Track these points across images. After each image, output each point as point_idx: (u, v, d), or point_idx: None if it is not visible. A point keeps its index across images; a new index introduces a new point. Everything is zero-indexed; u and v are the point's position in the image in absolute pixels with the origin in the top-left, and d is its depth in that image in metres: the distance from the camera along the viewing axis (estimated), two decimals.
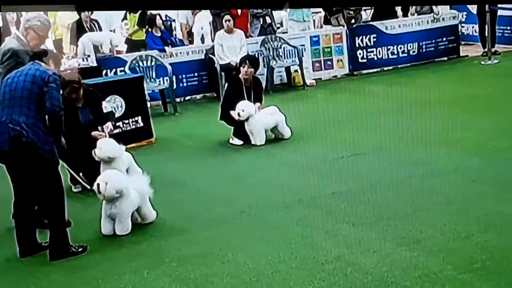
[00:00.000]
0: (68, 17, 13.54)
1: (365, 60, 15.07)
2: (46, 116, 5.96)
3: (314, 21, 16.12)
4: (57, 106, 5.94)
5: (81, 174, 7.70)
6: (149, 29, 13.73)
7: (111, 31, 13.99)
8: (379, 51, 15.09)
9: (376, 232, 6.01)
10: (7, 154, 5.89)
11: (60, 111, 6.01)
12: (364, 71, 15.07)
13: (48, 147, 5.94)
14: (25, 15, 7.30)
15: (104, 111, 8.28)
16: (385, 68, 15.24)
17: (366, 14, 16.20)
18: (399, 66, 15.30)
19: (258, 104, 9.75)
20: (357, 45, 14.96)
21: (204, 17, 14.55)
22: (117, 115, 9.75)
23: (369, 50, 15.05)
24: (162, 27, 13.98)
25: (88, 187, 7.06)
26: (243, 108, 9.47)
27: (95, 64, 12.10)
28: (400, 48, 15.23)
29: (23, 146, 5.81)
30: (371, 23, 15.41)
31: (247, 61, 9.92)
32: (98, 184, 6.39)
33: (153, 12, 14.47)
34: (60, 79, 7.43)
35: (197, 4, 4.22)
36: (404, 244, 5.69)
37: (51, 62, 6.28)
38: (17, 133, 5.78)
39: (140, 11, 13.91)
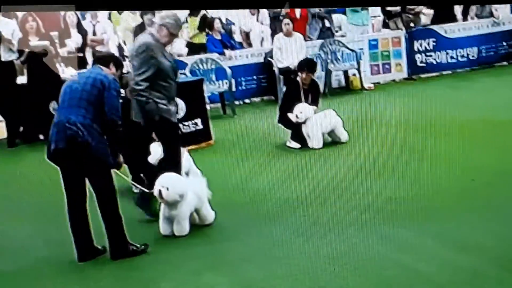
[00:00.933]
0: (133, 20, 13.75)
1: (423, 64, 15.03)
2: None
3: (372, 24, 16.09)
4: (116, 115, 6.03)
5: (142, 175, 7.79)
6: (209, 32, 13.91)
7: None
8: (438, 55, 15.03)
9: (436, 238, 6.01)
10: (62, 153, 5.95)
11: (119, 121, 6.09)
12: (423, 75, 15.03)
13: (102, 149, 6.00)
14: (160, 13, 7.59)
15: None
16: (444, 72, 15.16)
17: (426, 17, 16.11)
18: (458, 70, 15.23)
19: (314, 107, 9.81)
20: (416, 49, 14.93)
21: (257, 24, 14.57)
22: (177, 117, 9.94)
23: (428, 54, 15.00)
24: (222, 31, 14.13)
25: (146, 190, 7.12)
26: (301, 110, 9.55)
27: None
28: (459, 52, 15.15)
29: (77, 145, 5.88)
30: (430, 27, 15.34)
31: (305, 67, 9.98)
32: (159, 190, 6.46)
33: (213, 15, 14.65)
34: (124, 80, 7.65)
35: (197, 4, 4.29)
36: (465, 251, 5.68)
37: (112, 65, 6.37)
38: (73, 133, 5.86)
39: (201, 15, 14.07)
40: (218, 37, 13.85)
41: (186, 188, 6.59)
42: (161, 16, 7.21)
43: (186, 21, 14.36)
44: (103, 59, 6.48)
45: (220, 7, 9.35)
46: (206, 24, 14.09)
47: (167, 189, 6.45)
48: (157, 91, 6.97)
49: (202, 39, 14.16)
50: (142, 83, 6.92)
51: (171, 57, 7.48)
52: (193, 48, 14.07)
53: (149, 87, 6.88)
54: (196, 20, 14.07)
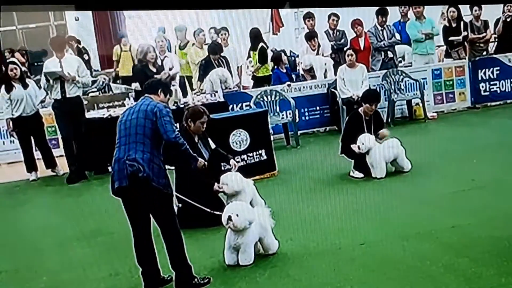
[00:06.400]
0: (200, 54, 14.06)
1: (487, 93, 14.95)
2: (161, 150, 6.19)
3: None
4: (173, 137, 6.14)
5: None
6: (275, 66, 14.22)
7: (238, 67, 14.47)
8: (502, 83, 14.93)
9: (496, 267, 5.97)
10: (125, 190, 6.05)
11: (177, 139, 6.22)
12: (487, 104, 14.97)
13: (163, 181, 6.08)
14: None
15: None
16: (508, 101, 15.04)
17: (490, 47, 16.04)
18: None
19: (386, 132, 9.96)
20: (479, 78, 14.88)
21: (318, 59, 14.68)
22: (242, 148, 10.17)
23: (492, 82, 14.92)
24: (287, 64, 14.41)
25: (208, 210, 7.29)
26: (363, 141, 9.60)
27: (222, 99, 12.57)
28: None
29: (139, 181, 5.96)
30: (494, 55, 15.28)
31: (369, 99, 10.02)
32: (229, 216, 6.57)
33: (279, 49, 14.92)
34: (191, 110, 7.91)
35: (196, 4, 4.38)
36: None
37: (161, 91, 6.46)
38: (134, 169, 5.94)
39: (259, 49, 14.34)
40: (284, 70, 14.15)
41: (254, 215, 6.71)
42: None
43: (249, 56, 14.66)
44: (151, 87, 6.56)
45: (220, 7, 9.48)
46: (273, 59, 14.40)
47: (237, 215, 6.57)
48: None
49: (263, 72, 14.43)
50: None
51: None
52: (257, 81, 14.38)
53: None
54: (256, 54, 14.35)
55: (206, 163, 7.31)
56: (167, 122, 6.12)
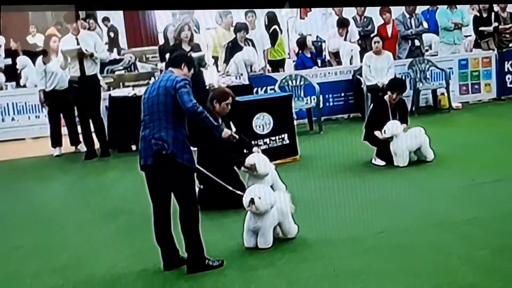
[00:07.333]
0: (225, 37, 14.05)
1: None
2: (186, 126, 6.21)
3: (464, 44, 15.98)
4: (190, 106, 6.05)
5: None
6: (300, 51, 14.17)
7: (264, 50, 14.44)
8: None
9: None
10: (150, 167, 6.12)
11: (195, 108, 6.09)
12: None
13: (187, 156, 6.12)
14: None
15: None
16: None
17: None
18: None
19: (404, 125, 9.87)
20: (506, 70, 14.78)
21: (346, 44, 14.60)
22: (264, 132, 10.19)
23: None
24: (313, 49, 14.35)
25: (230, 188, 7.30)
26: (390, 127, 9.57)
27: (247, 82, 12.57)
28: None
29: (164, 158, 6.01)
30: None
31: (395, 88, 9.97)
32: (252, 199, 6.57)
33: (304, 34, 14.82)
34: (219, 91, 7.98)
35: (197, 4, 4.39)
36: None
37: (184, 65, 6.39)
38: (159, 148, 5.99)
39: (271, 31, 14.28)
40: (308, 55, 14.12)
41: (274, 199, 6.71)
42: None
43: None
44: (175, 60, 6.53)
45: (220, 7, 9.44)
46: (298, 43, 14.33)
47: (260, 198, 6.57)
48: None
49: (276, 55, 14.40)
50: None
51: None
52: (271, 65, 14.36)
53: None
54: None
55: (234, 134, 7.18)
56: (184, 93, 6.06)
